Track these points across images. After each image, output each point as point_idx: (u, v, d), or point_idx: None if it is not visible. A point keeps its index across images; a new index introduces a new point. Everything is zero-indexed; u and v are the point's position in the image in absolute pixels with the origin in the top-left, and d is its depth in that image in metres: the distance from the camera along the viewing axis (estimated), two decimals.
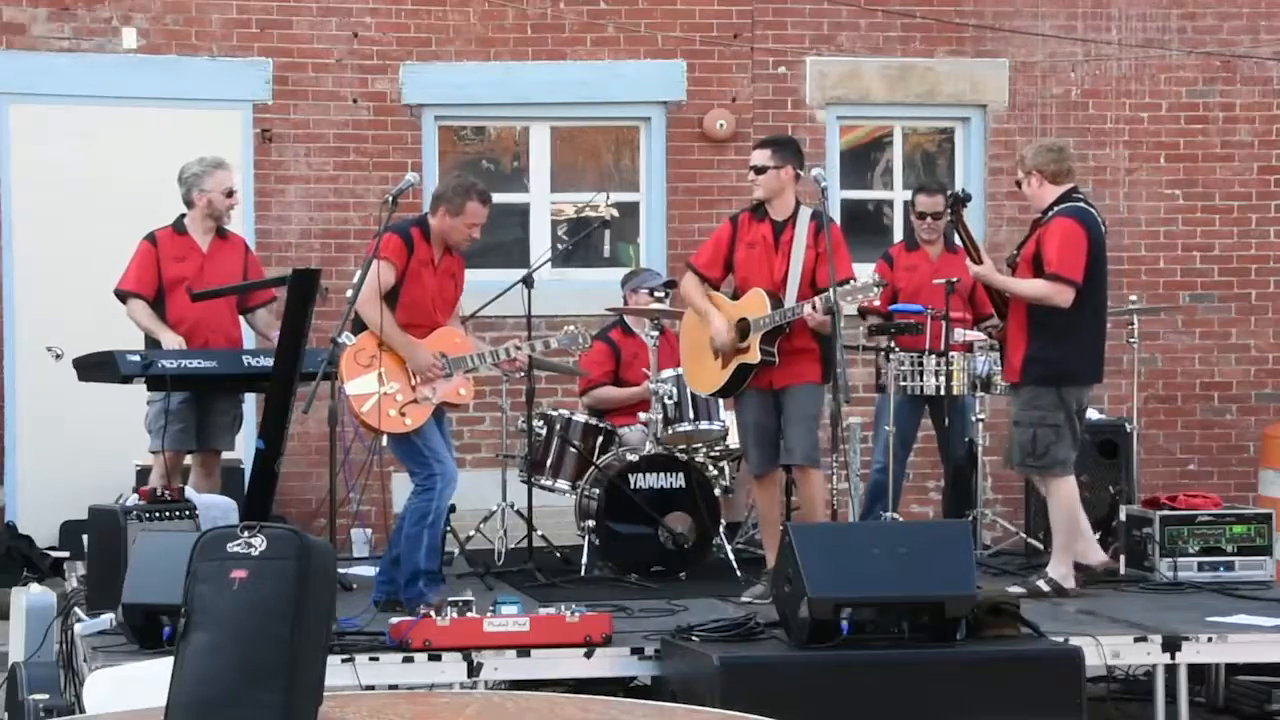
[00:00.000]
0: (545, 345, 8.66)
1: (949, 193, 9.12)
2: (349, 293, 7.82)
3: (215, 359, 8.57)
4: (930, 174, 12.33)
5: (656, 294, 10.05)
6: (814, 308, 7.96)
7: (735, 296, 8.36)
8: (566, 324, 9.34)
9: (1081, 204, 8.40)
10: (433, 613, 7.02)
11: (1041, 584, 8.32)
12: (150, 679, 4.16)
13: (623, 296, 10.13)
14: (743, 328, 8.18)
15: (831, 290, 7.84)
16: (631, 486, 9.06)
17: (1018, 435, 8.33)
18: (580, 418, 9.62)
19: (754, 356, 8.15)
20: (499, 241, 11.91)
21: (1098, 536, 9.42)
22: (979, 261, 8.44)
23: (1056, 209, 8.30)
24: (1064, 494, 8.36)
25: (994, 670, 6.82)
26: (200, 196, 8.94)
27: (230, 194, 9.00)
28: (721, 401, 9.33)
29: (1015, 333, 8.34)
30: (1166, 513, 8.87)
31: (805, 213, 8.25)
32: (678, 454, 9.25)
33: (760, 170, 8.23)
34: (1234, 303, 12.31)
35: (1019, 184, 8.53)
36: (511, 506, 9.79)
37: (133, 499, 8.05)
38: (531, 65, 11.76)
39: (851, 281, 8.04)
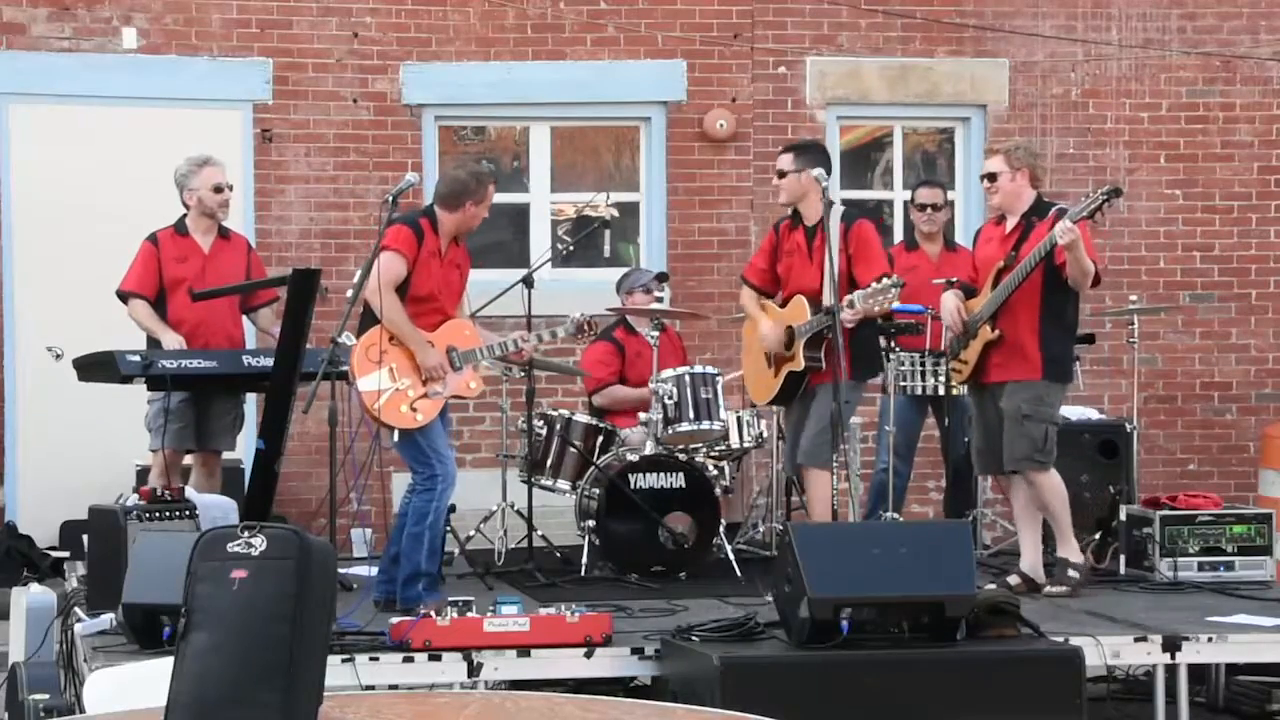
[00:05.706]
0: (552, 335, 8.65)
1: (1109, 187, 8.41)
2: (349, 292, 7.81)
3: (215, 359, 8.57)
4: (930, 174, 12.32)
5: (653, 290, 10.06)
6: (852, 306, 8.10)
7: (784, 305, 8.59)
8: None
9: None
10: (433, 613, 7.02)
11: (1070, 573, 8.39)
12: (150, 679, 4.16)
13: (620, 301, 10.13)
14: (789, 336, 8.40)
15: (831, 292, 7.84)
16: (631, 486, 9.06)
17: (1029, 430, 8.27)
18: (580, 418, 9.62)
19: (799, 364, 8.37)
20: (499, 241, 11.91)
21: (1098, 536, 9.44)
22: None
23: (1056, 209, 8.32)
24: (1058, 482, 8.43)
25: (994, 670, 6.82)
26: (190, 195, 8.94)
27: (219, 189, 8.95)
28: (723, 401, 9.33)
29: (1025, 330, 8.31)
30: (1166, 513, 8.88)
31: (837, 214, 8.37)
32: (678, 454, 9.25)
33: (781, 175, 8.40)
34: (1234, 303, 12.31)
35: (992, 176, 8.37)
36: (511, 506, 9.78)
37: (133, 499, 8.04)
38: (531, 65, 11.75)
39: (884, 279, 8.12)
